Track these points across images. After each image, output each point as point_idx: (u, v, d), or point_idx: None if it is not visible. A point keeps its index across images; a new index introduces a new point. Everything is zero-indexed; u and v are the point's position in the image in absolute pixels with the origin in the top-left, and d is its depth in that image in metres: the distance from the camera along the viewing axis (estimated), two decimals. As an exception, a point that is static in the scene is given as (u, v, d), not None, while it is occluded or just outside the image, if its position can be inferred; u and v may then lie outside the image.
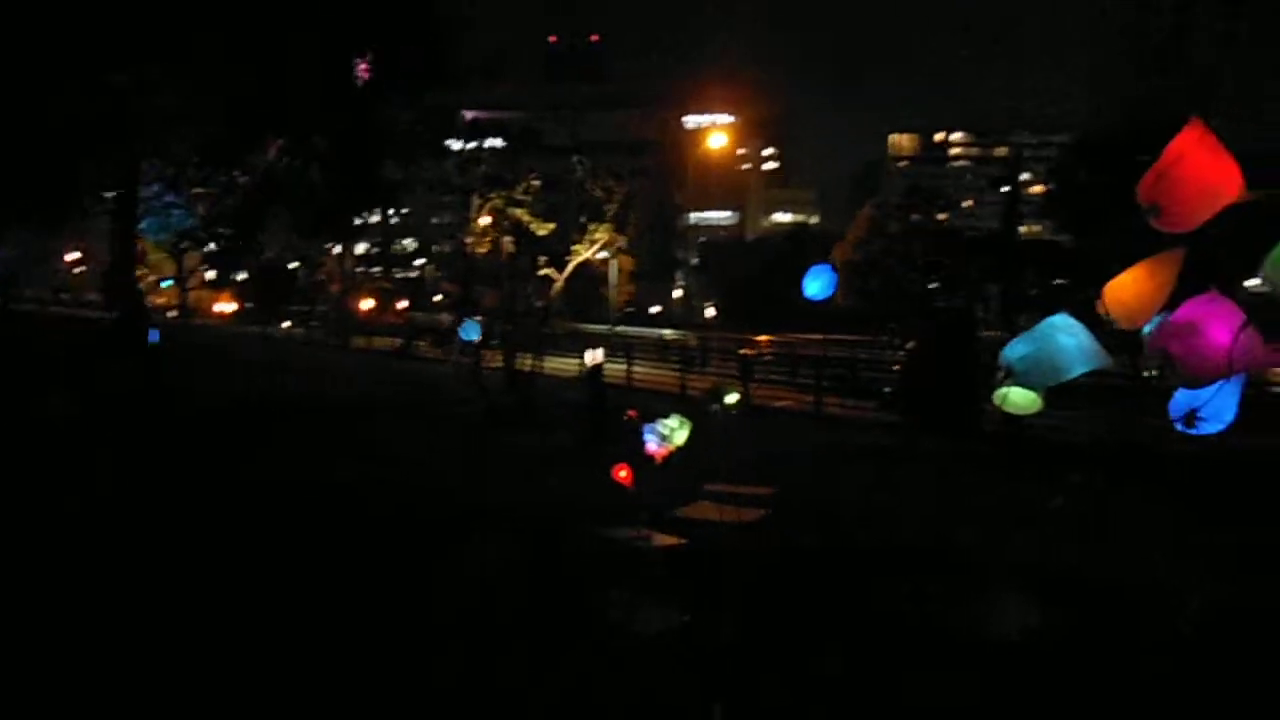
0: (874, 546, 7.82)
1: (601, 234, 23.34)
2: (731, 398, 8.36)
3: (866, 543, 7.95)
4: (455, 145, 29.80)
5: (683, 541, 6.70)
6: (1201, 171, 4.65)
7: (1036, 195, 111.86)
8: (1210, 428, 5.59)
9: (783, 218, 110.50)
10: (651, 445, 5.76)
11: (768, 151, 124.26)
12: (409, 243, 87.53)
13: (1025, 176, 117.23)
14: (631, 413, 6.58)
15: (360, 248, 52.81)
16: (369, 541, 7.72)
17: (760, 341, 36.21)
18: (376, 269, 59.89)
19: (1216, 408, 5.50)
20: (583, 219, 24.04)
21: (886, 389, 20.24)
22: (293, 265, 53.54)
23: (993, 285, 32.17)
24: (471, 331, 15.45)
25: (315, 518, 8.27)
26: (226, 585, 6.31)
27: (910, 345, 25.08)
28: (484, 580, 6.47)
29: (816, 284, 8.16)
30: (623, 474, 6.46)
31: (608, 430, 13.18)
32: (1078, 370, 5.35)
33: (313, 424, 14.52)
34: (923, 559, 7.57)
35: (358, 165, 19.77)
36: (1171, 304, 5.39)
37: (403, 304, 48.49)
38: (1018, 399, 7.36)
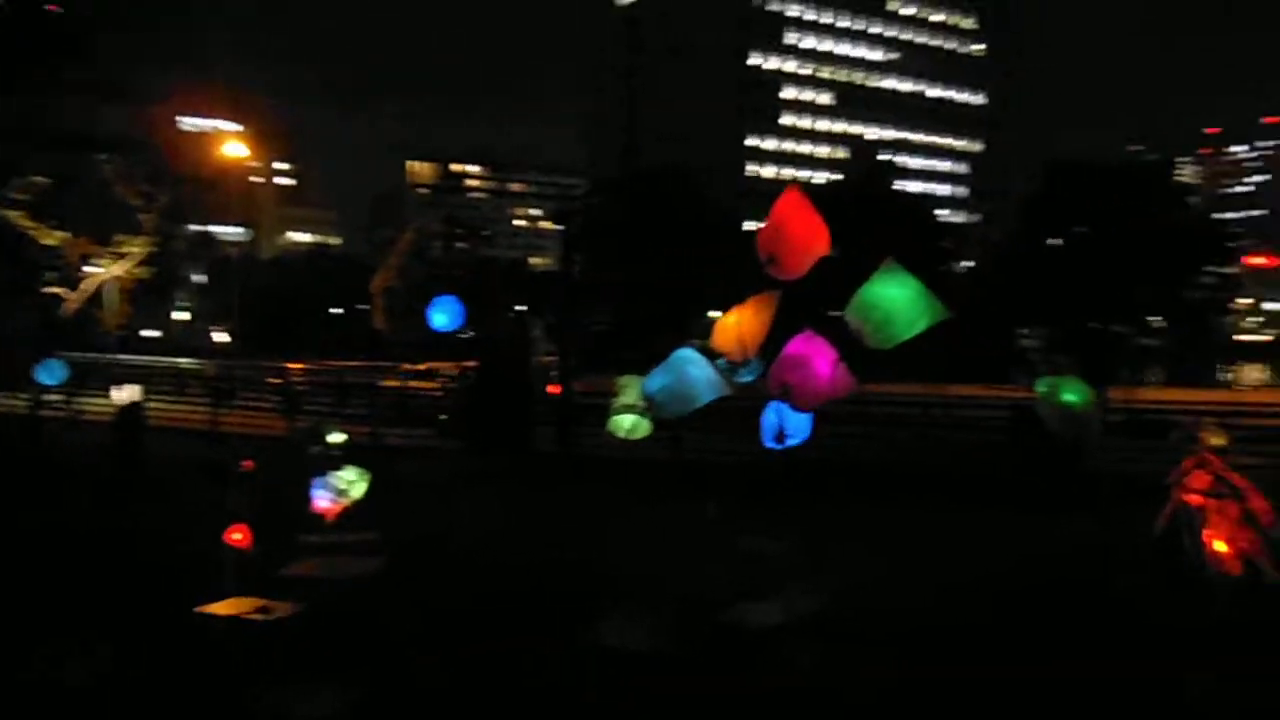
0: (501, 588, 7.78)
1: (137, 247, 19.61)
2: (337, 437, 7.72)
3: (492, 583, 7.88)
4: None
5: (298, 608, 5.95)
6: (805, 230, 5.59)
7: (550, 229, 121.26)
8: (794, 442, 6.63)
9: (301, 237, 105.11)
10: (323, 501, 5.05)
11: (281, 166, 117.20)
12: None
13: (537, 211, 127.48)
14: (247, 464, 5.73)
15: None
16: None
17: (294, 370, 33.87)
18: None
19: (798, 426, 6.57)
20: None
21: (443, 415, 20.35)
22: None
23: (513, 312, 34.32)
24: (53, 373, 11.61)
25: None
26: None
27: (453, 370, 25.57)
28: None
29: (444, 315, 7.98)
30: (237, 536, 5.60)
31: (144, 482, 11.28)
32: (706, 399, 6.02)
33: None
34: (547, 580, 7.76)
35: None
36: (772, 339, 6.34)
37: None
38: (629, 425, 7.92)
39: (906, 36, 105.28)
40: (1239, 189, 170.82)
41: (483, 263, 40.78)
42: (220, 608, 5.63)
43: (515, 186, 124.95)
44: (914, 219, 26.78)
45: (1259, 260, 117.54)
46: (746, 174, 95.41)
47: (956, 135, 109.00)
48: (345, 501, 5.30)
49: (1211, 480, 3.49)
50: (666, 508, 11.01)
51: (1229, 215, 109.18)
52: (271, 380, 28.09)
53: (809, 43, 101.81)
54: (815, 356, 5.37)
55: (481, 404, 18.38)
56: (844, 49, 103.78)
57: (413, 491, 11.53)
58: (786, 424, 6.32)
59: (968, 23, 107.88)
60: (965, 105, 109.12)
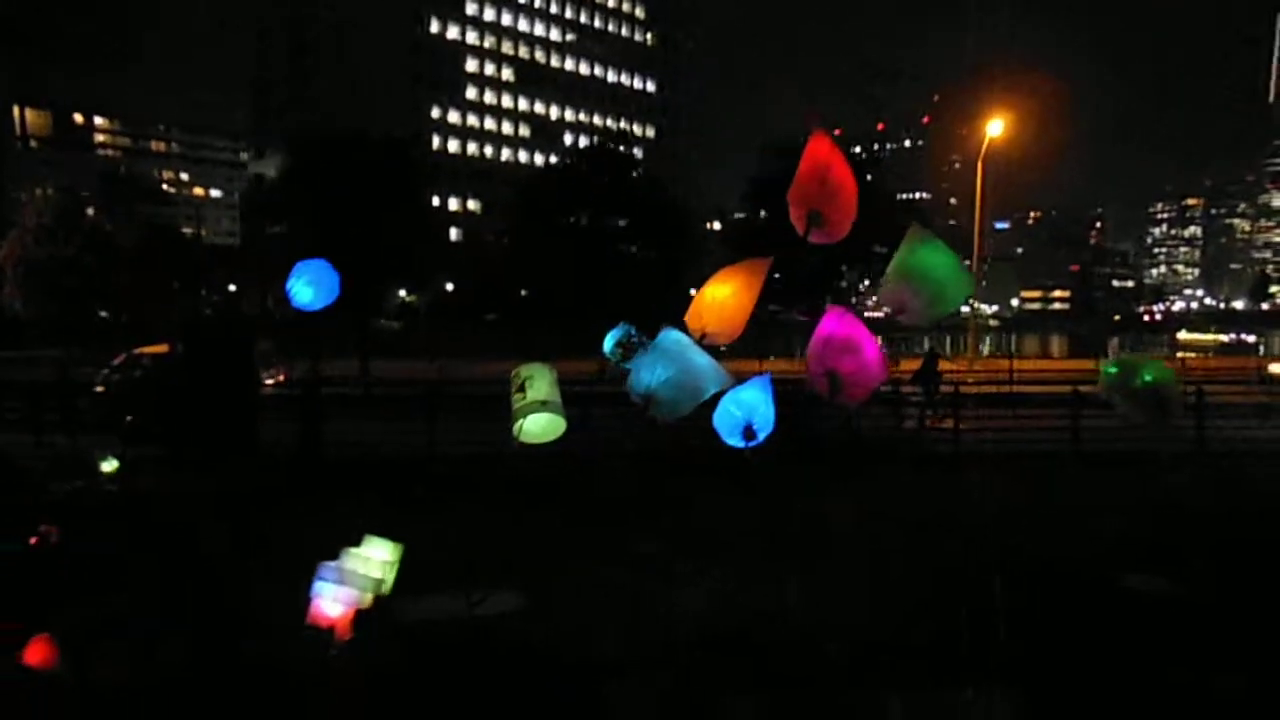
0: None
1: None
2: (110, 464, 5.33)
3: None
4: None
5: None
6: (847, 179, 4.51)
7: (203, 197, 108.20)
8: (762, 437, 5.55)
9: None
10: (335, 604, 2.96)
11: None
12: None
13: (185, 176, 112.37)
14: (48, 530, 3.45)
15: None
16: None
17: None
18: None
19: (765, 419, 5.50)
20: None
21: (130, 417, 16.48)
22: None
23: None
24: None
25: None
26: None
27: (137, 359, 21.10)
28: None
29: (309, 289, 5.70)
30: (39, 655, 3.34)
31: None
32: (712, 389, 4.73)
33: None
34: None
35: None
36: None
37: None
38: (534, 428, 6.35)
39: (585, 20, 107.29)
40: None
41: (162, 233, 33.86)
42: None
43: (157, 146, 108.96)
44: (659, 199, 26.87)
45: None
46: (434, 148, 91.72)
47: (630, 119, 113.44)
48: (368, 600, 3.23)
49: None
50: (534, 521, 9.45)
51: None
52: None
53: (490, 15, 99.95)
54: (863, 340, 4.36)
55: (192, 400, 15.06)
56: (525, 25, 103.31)
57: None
58: (755, 419, 5.26)
59: (640, 12, 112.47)
60: (638, 91, 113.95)
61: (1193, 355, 47.38)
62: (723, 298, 4.80)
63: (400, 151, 36.37)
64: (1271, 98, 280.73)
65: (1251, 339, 70.45)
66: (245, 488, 11.38)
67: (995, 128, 37.23)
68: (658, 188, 26.10)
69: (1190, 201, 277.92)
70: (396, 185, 34.63)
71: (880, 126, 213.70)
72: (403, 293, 60.41)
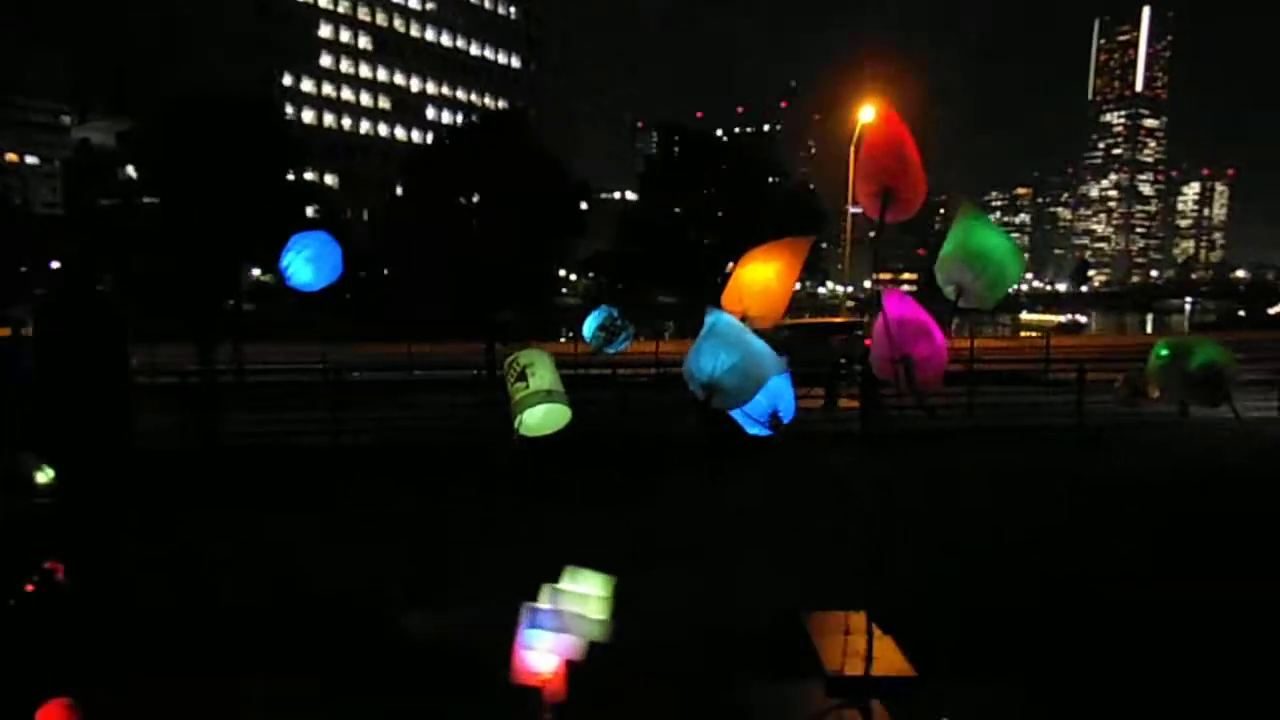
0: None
1: None
2: (46, 473, 4.51)
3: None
4: None
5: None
6: (916, 154, 4.26)
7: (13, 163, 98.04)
8: (787, 420, 5.29)
9: None
10: (548, 656, 2.30)
11: None
12: None
13: None
14: (55, 566, 2.73)
15: None
16: None
17: None
18: None
19: (789, 405, 5.26)
20: None
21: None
22: None
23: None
24: None
25: None
26: None
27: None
28: None
29: (308, 267, 4.89)
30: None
31: None
32: (772, 375, 4.41)
33: None
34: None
35: None
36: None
37: None
38: (534, 421, 5.88)
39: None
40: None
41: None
42: None
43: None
44: (553, 172, 25.92)
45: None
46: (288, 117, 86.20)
47: (494, 95, 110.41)
48: (580, 650, 2.54)
49: None
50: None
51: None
52: None
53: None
54: (931, 323, 4.14)
55: (52, 394, 13.46)
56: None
57: None
58: (780, 405, 5.01)
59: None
60: (503, 66, 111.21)
61: (1036, 334, 50.77)
62: (764, 280, 4.48)
63: (257, 116, 33.80)
64: (1089, 96, 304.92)
65: (1083, 319, 76.61)
66: (134, 490, 10.24)
67: (867, 114, 38.36)
68: (546, 165, 25.20)
69: (1020, 191, 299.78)
70: (253, 154, 32.16)
71: (739, 111, 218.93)
72: (257, 272, 56.78)
